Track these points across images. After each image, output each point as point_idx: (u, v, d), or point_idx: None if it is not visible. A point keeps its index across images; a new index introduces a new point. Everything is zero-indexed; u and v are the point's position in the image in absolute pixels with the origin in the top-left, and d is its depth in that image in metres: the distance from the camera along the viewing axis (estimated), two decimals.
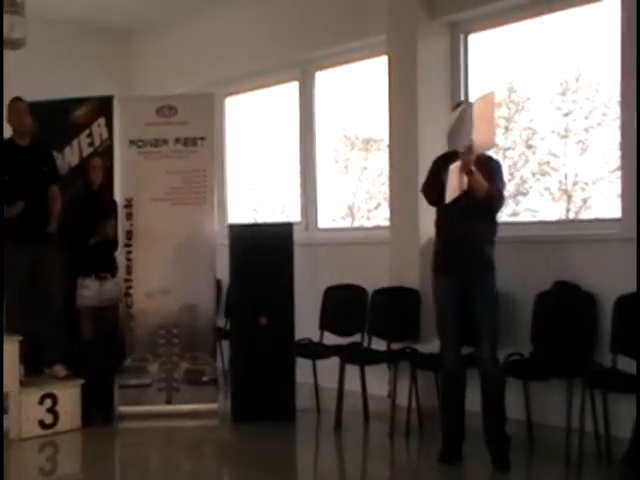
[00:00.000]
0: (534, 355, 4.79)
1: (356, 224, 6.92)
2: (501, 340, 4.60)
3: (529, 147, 5.71)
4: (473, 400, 4.45)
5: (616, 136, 5.02)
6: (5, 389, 5.16)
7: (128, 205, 5.99)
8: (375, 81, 6.47)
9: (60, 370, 5.47)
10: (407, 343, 5.32)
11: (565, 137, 5.46)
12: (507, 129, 5.87)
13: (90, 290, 5.69)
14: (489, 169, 4.41)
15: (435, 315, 4.59)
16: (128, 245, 5.94)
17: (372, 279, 5.72)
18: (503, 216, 5.16)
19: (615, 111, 5.06)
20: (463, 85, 5.88)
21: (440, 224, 4.57)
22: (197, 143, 6.07)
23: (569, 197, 5.49)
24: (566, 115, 5.45)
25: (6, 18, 6.03)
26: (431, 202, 4.58)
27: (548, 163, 5.60)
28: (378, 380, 5.45)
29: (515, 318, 5.02)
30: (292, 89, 7.19)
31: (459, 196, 4.31)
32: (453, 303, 4.42)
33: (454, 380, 4.47)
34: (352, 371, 5.31)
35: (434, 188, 4.47)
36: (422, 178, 5.56)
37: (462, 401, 4.47)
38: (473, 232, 4.35)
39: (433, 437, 4.76)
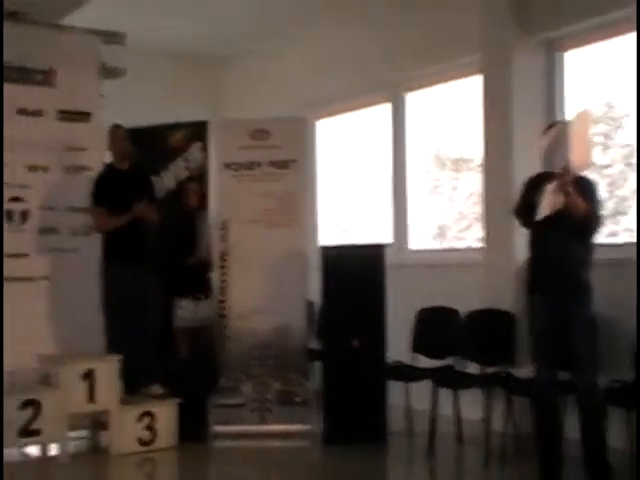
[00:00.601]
0: (637, 382, 4.61)
1: (446, 245, 6.85)
2: (601, 366, 4.44)
3: (628, 165, 5.54)
4: (574, 427, 4.32)
5: None
6: (105, 407, 5.33)
7: (223, 227, 6.10)
8: (467, 100, 6.41)
9: (157, 389, 5.59)
10: (501, 367, 5.21)
11: None
12: (605, 146, 5.71)
13: (185, 311, 5.82)
14: (584, 189, 4.30)
15: (529, 339, 4.48)
16: (222, 267, 6.05)
17: (464, 301, 5.64)
18: (601, 237, 5.00)
19: None
20: (559, 103, 5.77)
21: (534, 245, 4.48)
22: (289, 166, 6.16)
23: None
24: None
25: (107, 48, 6.30)
26: (524, 223, 4.50)
27: None
28: (471, 404, 5.34)
29: (615, 343, 4.84)
30: (383, 111, 7.20)
31: (554, 217, 4.22)
32: (548, 326, 4.31)
33: (547, 406, 4.34)
34: (445, 394, 5.24)
35: (527, 209, 4.38)
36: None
37: (557, 428, 4.34)
38: (568, 253, 4.25)
39: (530, 464, 4.62)
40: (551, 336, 4.32)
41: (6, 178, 5.69)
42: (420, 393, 5.45)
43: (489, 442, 4.91)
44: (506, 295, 5.50)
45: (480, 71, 5.98)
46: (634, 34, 5.25)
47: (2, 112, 5.29)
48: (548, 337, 4.33)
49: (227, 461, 5.41)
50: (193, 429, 5.65)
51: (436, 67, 6.60)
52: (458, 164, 6.87)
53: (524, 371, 5.06)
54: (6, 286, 5.60)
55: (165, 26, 7.35)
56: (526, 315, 4.50)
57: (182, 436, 5.52)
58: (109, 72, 6.32)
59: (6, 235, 5.67)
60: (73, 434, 5.38)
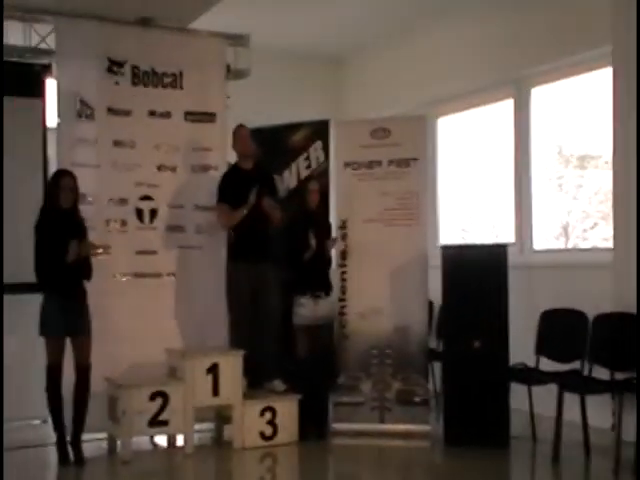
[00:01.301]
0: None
1: (570, 245, 6.62)
2: None
3: None
4: None
5: None
6: (229, 401, 5.46)
7: (343, 226, 6.14)
8: (594, 95, 6.18)
9: (279, 385, 5.69)
10: (633, 373, 4.99)
11: None
12: None
13: (305, 309, 5.88)
14: None
15: None
16: (343, 265, 6.09)
17: (591, 303, 5.44)
18: None
19: None
20: None
21: None
22: (409, 164, 6.12)
23: None
24: None
25: (232, 50, 6.45)
26: None
27: None
28: (599, 411, 5.16)
29: None
30: (505, 107, 7.04)
31: None
32: None
33: None
34: (570, 400, 5.07)
35: None
36: None
37: None
38: None
39: None
40: None
41: (137, 178, 5.93)
42: (544, 398, 5.29)
43: (619, 452, 4.71)
44: (637, 298, 5.28)
45: (610, 63, 5.75)
46: None
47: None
48: None
49: (346, 459, 5.45)
50: (313, 426, 5.72)
51: (563, 61, 6.40)
52: (583, 161, 6.64)
53: None
54: (136, 282, 5.85)
55: (287, 27, 7.45)
56: None
57: (302, 432, 5.60)
58: (234, 73, 6.48)
59: (136, 233, 5.91)
60: (198, 426, 5.55)
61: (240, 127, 5.95)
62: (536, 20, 6.50)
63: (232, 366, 5.47)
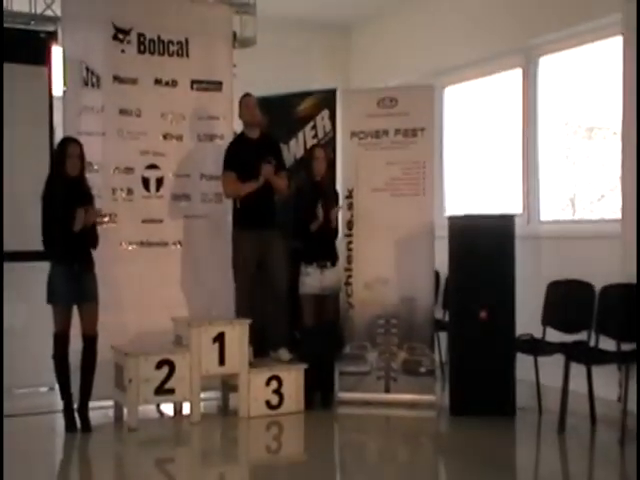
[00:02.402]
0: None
1: (577, 216, 6.59)
2: None
3: None
4: None
5: None
6: (235, 370, 5.48)
7: (349, 195, 6.12)
8: (604, 65, 6.11)
9: (284, 354, 5.70)
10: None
11: None
12: None
13: (312, 278, 5.87)
14: None
15: None
16: (349, 235, 6.08)
17: (598, 274, 5.42)
18: None
19: None
20: None
21: None
22: (417, 134, 6.08)
23: None
24: None
25: (238, 18, 6.39)
26: None
27: None
28: (605, 382, 5.15)
29: None
30: (514, 76, 6.97)
31: None
32: None
33: None
34: (577, 370, 5.07)
35: None
36: None
37: None
38: None
39: None
40: None
41: (143, 146, 5.90)
42: (550, 368, 5.30)
43: (625, 422, 4.72)
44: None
45: (621, 32, 5.67)
46: None
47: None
48: None
49: (352, 428, 5.50)
50: (319, 395, 5.75)
51: (572, 29, 6.30)
52: (592, 132, 6.58)
53: None
54: (142, 250, 5.85)
55: None
56: None
57: (308, 401, 5.63)
58: (240, 42, 6.42)
59: (143, 201, 5.90)
60: (204, 395, 5.58)
61: (247, 96, 5.91)
62: None
63: (238, 335, 5.49)
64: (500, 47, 6.93)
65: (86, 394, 5.18)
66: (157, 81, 5.96)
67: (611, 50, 5.96)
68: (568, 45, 6.50)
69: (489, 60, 7.14)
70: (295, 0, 7.49)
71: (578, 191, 6.65)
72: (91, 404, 5.22)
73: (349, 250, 6.07)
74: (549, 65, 6.72)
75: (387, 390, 5.89)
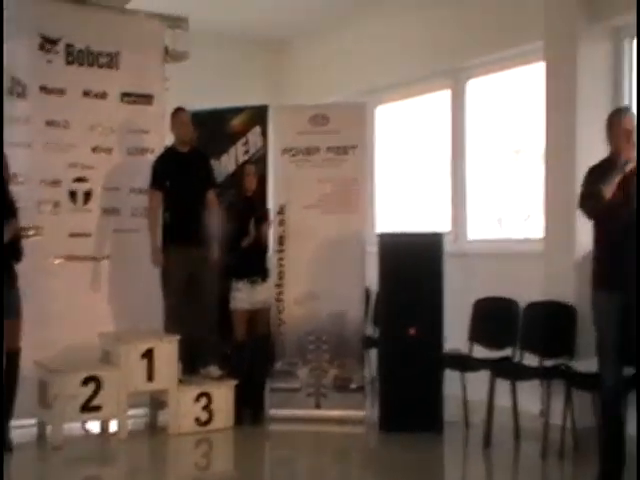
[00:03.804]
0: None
1: (505, 235, 6.76)
2: None
3: None
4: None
5: None
6: (164, 386, 5.41)
7: (281, 212, 6.13)
8: (528, 88, 6.31)
9: (214, 370, 5.66)
10: (561, 360, 5.13)
11: None
12: None
13: (243, 293, 5.86)
14: None
15: (595, 333, 4.41)
16: (280, 251, 6.09)
17: (523, 292, 5.57)
18: None
19: None
20: (627, 92, 5.64)
21: (600, 239, 4.40)
22: (348, 152, 6.15)
23: None
24: None
25: (170, 32, 6.36)
26: (591, 216, 4.43)
27: None
28: (529, 397, 5.29)
29: None
30: (444, 97, 7.13)
31: (621, 209, 4.16)
32: (615, 321, 4.23)
33: (613, 401, 4.26)
34: (502, 386, 5.19)
35: (594, 201, 4.31)
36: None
37: (622, 423, 4.27)
38: (632, 247, 4.14)
39: (589, 459, 4.57)
40: (617, 331, 4.24)
41: (71, 159, 5.81)
42: (477, 383, 5.40)
43: (547, 436, 4.85)
44: (567, 287, 5.43)
45: (543, 59, 5.87)
46: None
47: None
48: (614, 332, 4.25)
49: (282, 444, 5.47)
50: (250, 411, 5.72)
51: (498, 54, 6.49)
52: (519, 153, 6.77)
53: (584, 364, 4.99)
54: (70, 264, 5.73)
55: (228, 10, 7.36)
56: (592, 309, 4.42)
57: (238, 418, 5.60)
58: (172, 56, 6.38)
59: (70, 215, 5.79)
60: (132, 412, 5.48)
61: (179, 110, 5.88)
62: (474, 13, 6.56)
63: (167, 351, 5.42)
64: (430, 68, 7.09)
65: (7, 412, 5.02)
66: (86, 93, 5.88)
67: (535, 75, 6.15)
68: (494, 69, 6.70)
69: (420, 81, 7.30)
70: (229, 16, 7.50)
71: (505, 210, 6.82)
72: (12, 423, 5.06)
73: (280, 266, 6.08)
74: (477, 87, 6.89)
75: (318, 406, 5.90)
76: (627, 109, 4.56)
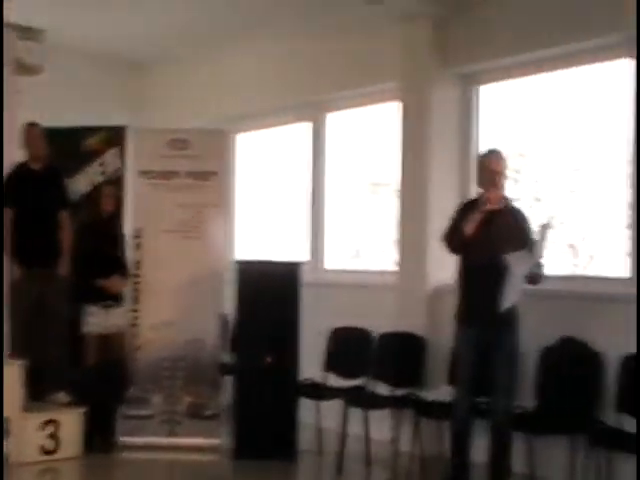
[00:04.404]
0: (538, 409, 4.83)
1: (363, 267, 6.97)
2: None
3: (537, 200, 5.81)
4: (481, 452, 4.50)
5: (626, 194, 5.11)
6: (7, 413, 5.14)
7: (138, 236, 6.03)
8: (386, 125, 6.57)
9: (63, 397, 5.46)
10: (411, 389, 5.35)
11: (573, 192, 5.56)
12: (516, 181, 5.97)
13: (95, 317, 5.71)
14: (516, 220, 4.64)
15: (455, 364, 4.65)
16: (136, 275, 5.97)
17: (378, 322, 5.76)
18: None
19: (625, 169, 5.16)
20: (474, 135, 6.00)
21: (461, 275, 4.65)
22: (208, 177, 6.14)
23: (576, 252, 5.58)
24: (575, 170, 5.55)
25: (23, 44, 6.13)
26: (451, 250, 4.68)
27: (555, 217, 5.69)
28: (381, 425, 5.45)
29: (520, 371, 5.06)
30: (304, 129, 7.28)
31: (481, 248, 4.43)
32: (472, 353, 4.47)
33: (464, 431, 4.50)
34: (356, 414, 5.33)
35: (455, 236, 4.56)
36: (431, 224, 5.75)
37: (469, 452, 4.51)
38: (496, 284, 4.40)
39: None
40: (475, 364, 4.47)
41: None
42: (331, 412, 5.52)
43: (396, 463, 5.02)
44: (418, 318, 5.68)
45: (399, 99, 6.14)
46: (549, 74, 5.56)
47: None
48: (472, 365, 4.48)
49: (133, 473, 5.32)
50: (99, 439, 5.55)
51: (357, 90, 6.71)
52: (377, 187, 7.01)
53: (433, 393, 5.23)
54: None
55: (91, 27, 7.16)
56: (454, 342, 4.66)
57: (88, 446, 5.42)
58: (25, 69, 6.15)
59: None
60: None
61: (31, 125, 5.69)
62: (334, 49, 6.74)
63: (10, 376, 5.15)
64: (291, 100, 7.21)
65: None
66: None
67: (391, 113, 6.41)
68: (353, 104, 6.92)
69: (281, 111, 7.40)
70: (91, 33, 7.28)
71: (364, 242, 7.03)
72: None
73: (136, 291, 5.96)
74: (337, 121, 7.09)
75: (171, 434, 5.80)
76: (494, 151, 4.79)
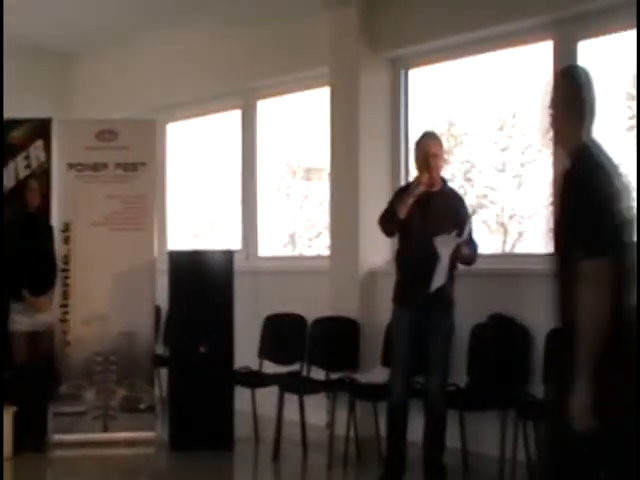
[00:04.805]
0: (469, 386, 4.89)
1: (297, 252, 6.95)
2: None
3: (467, 180, 5.86)
4: (415, 430, 4.53)
5: (549, 172, 5.19)
6: None
7: (66, 229, 5.91)
8: (317, 111, 6.55)
9: None
10: (346, 373, 5.36)
11: (502, 171, 5.62)
12: (446, 162, 6.00)
13: (23, 314, 5.58)
14: (453, 202, 4.66)
15: (391, 345, 4.66)
16: (65, 270, 5.85)
17: (312, 308, 5.75)
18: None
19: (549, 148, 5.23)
20: (403, 118, 6.01)
21: (398, 256, 4.66)
22: (138, 168, 6.05)
23: (505, 230, 5.65)
24: (503, 150, 5.62)
25: None
26: (386, 232, 4.68)
27: (486, 196, 5.76)
28: (317, 409, 5.45)
29: (452, 350, 5.10)
30: (235, 117, 7.22)
31: (414, 230, 4.44)
32: (409, 334, 4.48)
33: (400, 410, 4.50)
34: (291, 400, 5.31)
35: (390, 219, 4.55)
36: (363, 208, 5.75)
37: (405, 432, 4.52)
38: (431, 266, 4.41)
39: (371, 467, 4.81)
40: (410, 343, 4.48)
41: None
42: (267, 399, 5.49)
43: (333, 446, 5.03)
44: (351, 302, 5.68)
45: (328, 84, 6.12)
46: (476, 57, 5.60)
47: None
48: (408, 344, 4.49)
49: (67, 471, 5.24)
50: (31, 438, 5.42)
51: (287, 77, 6.67)
52: (309, 172, 7.00)
53: (367, 376, 5.25)
54: None
55: (11, 17, 6.98)
56: (391, 323, 4.67)
57: (19, 446, 5.29)
58: None
59: None
60: None
61: None
62: (263, 36, 6.69)
63: None
64: (220, 88, 7.13)
65: None
66: None
67: (322, 98, 6.40)
68: (283, 91, 6.88)
69: (210, 100, 7.32)
70: (12, 23, 7.11)
71: (298, 228, 7.01)
72: None
73: (65, 285, 5.84)
74: (268, 108, 7.04)
75: (105, 429, 5.72)
76: (429, 133, 4.80)
